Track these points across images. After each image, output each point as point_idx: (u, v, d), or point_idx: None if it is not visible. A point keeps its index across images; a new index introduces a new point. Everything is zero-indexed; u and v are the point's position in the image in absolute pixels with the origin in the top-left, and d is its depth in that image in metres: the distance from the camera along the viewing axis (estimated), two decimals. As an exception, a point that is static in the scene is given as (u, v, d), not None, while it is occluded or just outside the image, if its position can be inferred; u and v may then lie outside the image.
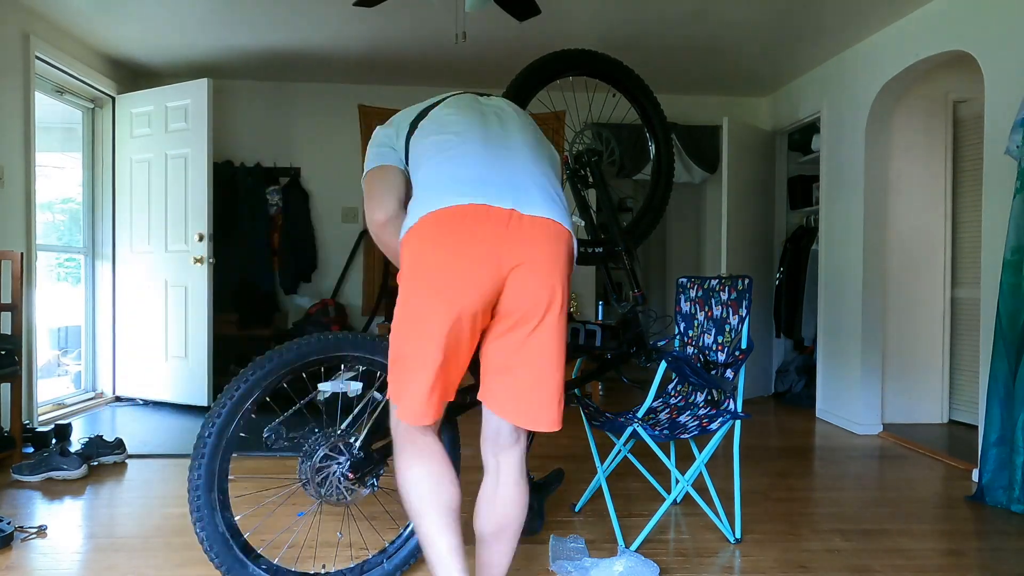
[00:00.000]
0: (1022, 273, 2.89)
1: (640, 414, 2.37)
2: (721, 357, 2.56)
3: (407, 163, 1.79)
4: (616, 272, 2.74)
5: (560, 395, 1.61)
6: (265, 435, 1.88)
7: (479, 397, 1.66)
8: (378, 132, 1.91)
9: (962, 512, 2.87)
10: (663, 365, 2.36)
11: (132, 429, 4.11)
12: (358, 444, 1.93)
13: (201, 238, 4.56)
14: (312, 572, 2.02)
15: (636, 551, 2.32)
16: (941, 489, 3.20)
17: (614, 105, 3.66)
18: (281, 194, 5.42)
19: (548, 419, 1.60)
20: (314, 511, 2.41)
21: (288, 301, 5.52)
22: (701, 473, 2.54)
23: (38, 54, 3.99)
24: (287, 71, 5.16)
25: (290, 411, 1.95)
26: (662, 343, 2.62)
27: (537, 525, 2.38)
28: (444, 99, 1.86)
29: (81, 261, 4.94)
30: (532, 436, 2.40)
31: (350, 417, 2.03)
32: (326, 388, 2.00)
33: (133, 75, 5.10)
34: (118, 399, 4.95)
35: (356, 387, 2.04)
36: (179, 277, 4.66)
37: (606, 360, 2.57)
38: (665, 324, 2.84)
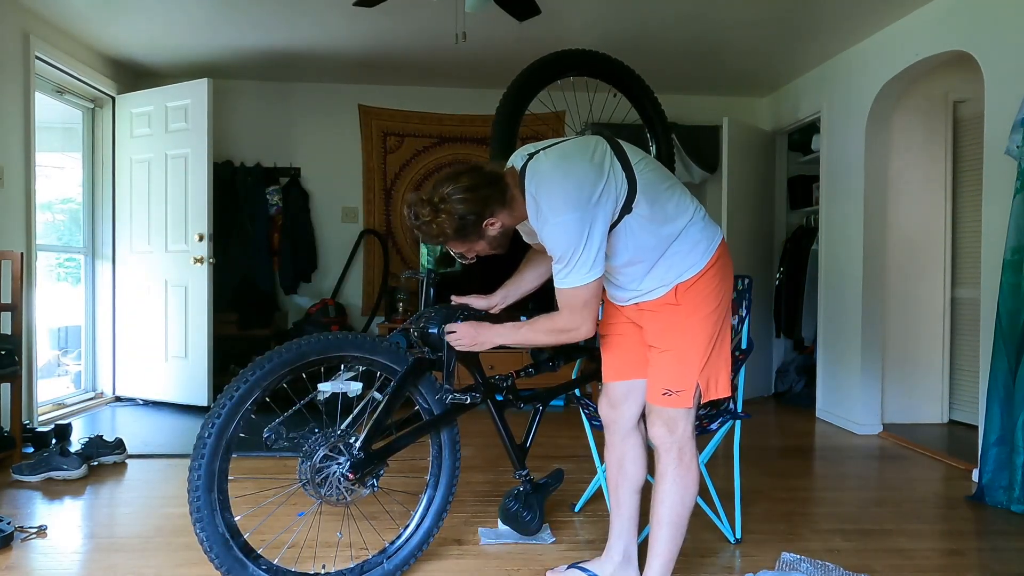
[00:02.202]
0: (1022, 273, 2.89)
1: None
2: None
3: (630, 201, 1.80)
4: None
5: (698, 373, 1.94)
6: (265, 435, 1.88)
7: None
8: (597, 221, 1.73)
9: (962, 512, 2.87)
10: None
11: (132, 429, 4.11)
12: (358, 444, 1.93)
13: (201, 238, 4.56)
14: (312, 572, 2.02)
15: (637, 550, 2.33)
16: (941, 489, 3.20)
17: (615, 105, 3.67)
18: (281, 194, 5.42)
19: None
20: (314, 511, 2.41)
21: (288, 301, 5.52)
22: (701, 473, 2.54)
23: (38, 54, 3.99)
24: (287, 71, 5.16)
25: (290, 411, 1.95)
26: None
27: (537, 525, 2.38)
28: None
29: (81, 261, 4.94)
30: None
31: (350, 417, 2.03)
32: (326, 388, 2.00)
33: (133, 75, 5.10)
34: (118, 399, 4.95)
35: (356, 387, 2.04)
36: (179, 277, 4.66)
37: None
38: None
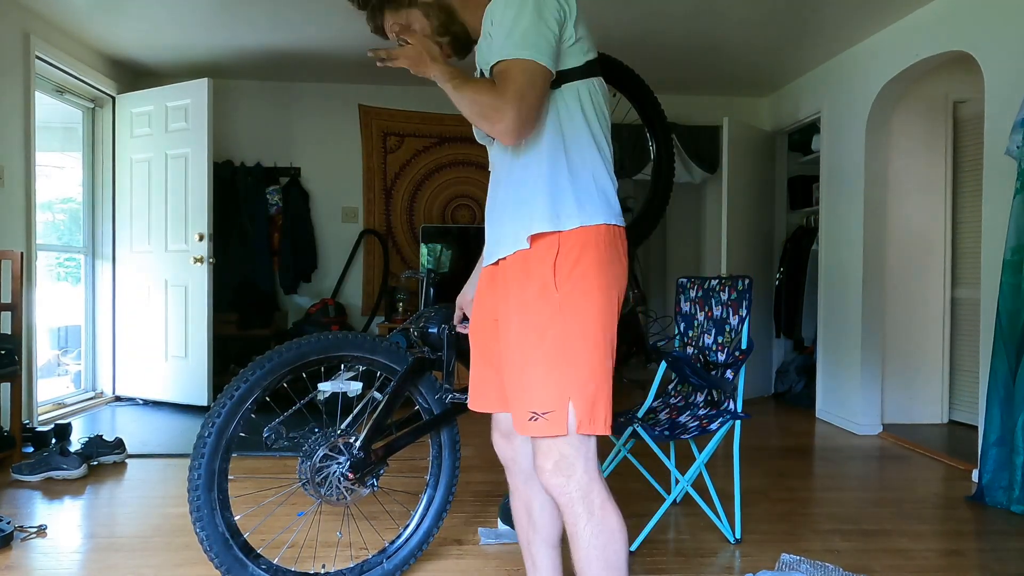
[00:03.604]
0: (1022, 273, 2.89)
1: (640, 414, 2.37)
2: (721, 357, 2.56)
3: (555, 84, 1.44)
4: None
5: (563, 393, 1.43)
6: (265, 435, 1.88)
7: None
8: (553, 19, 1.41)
9: (962, 512, 2.87)
10: (663, 365, 2.36)
11: (132, 429, 4.11)
12: (358, 444, 1.93)
13: (201, 238, 4.56)
14: (312, 572, 2.02)
15: (637, 551, 2.33)
16: (941, 489, 3.20)
17: (614, 105, 3.66)
18: (281, 194, 5.42)
19: None
20: (314, 511, 2.41)
21: (288, 301, 5.52)
22: (701, 473, 2.54)
23: (38, 54, 3.99)
24: (287, 71, 5.16)
25: (290, 411, 1.95)
26: (662, 343, 2.62)
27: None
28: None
29: (81, 261, 4.94)
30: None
31: (350, 417, 2.03)
32: (326, 388, 2.00)
33: (133, 75, 5.10)
34: (118, 399, 4.95)
35: (356, 387, 2.04)
36: (179, 277, 4.66)
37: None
38: (665, 324, 2.84)
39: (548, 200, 1.42)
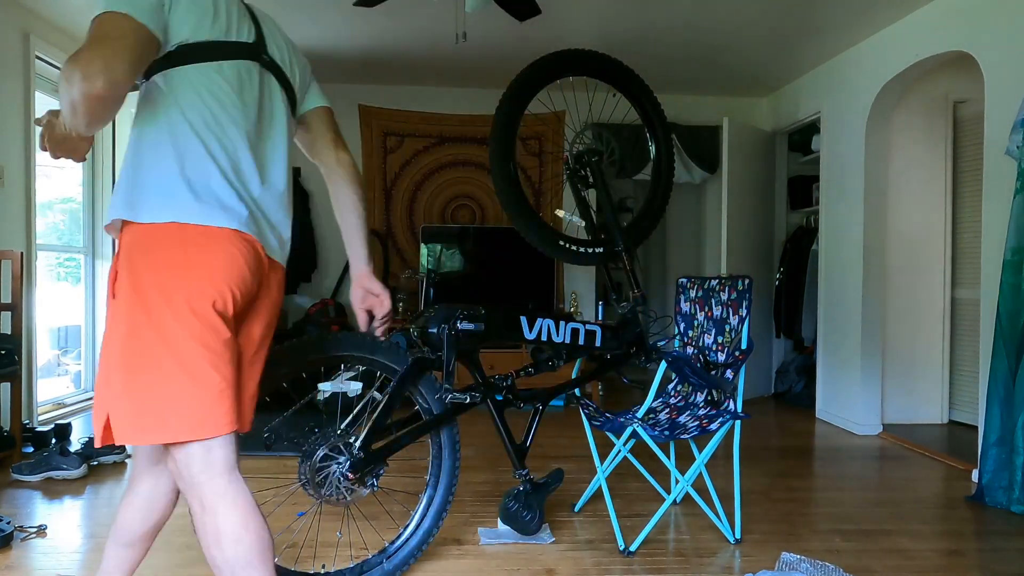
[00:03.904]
0: (1022, 273, 2.89)
1: (640, 414, 2.37)
2: (721, 357, 2.56)
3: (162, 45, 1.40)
4: (616, 272, 2.75)
5: (104, 405, 1.36)
6: (265, 435, 1.88)
7: None
8: None
9: (962, 512, 2.87)
10: (663, 365, 2.37)
11: (132, 429, 4.11)
12: (358, 444, 1.93)
13: (201, 238, 4.55)
14: (312, 572, 2.02)
15: (637, 551, 2.33)
16: (941, 489, 3.20)
17: (614, 105, 3.66)
18: (281, 194, 5.42)
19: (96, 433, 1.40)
20: (314, 511, 2.41)
21: (288, 301, 5.52)
22: (701, 473, 2.54)
23: (38, 54, 3.99)
24: (287, 71, 5.15)
25: (290, 411, 1.95)
26: (662, 343, 2.62)
27: (537, 525, 2.38)
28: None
29: (81, 261, 4.94)
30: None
31: (350, 417, 2.03)
32: (326, 388, 2.00)
33: (133, 75, 5.09)
34: (118, 399, 4.94)
35: (356, 387, 2.04)
36: (179, 277, 4.65)
37: (606, 360, 2.57)
38: (665, 324, 2.84)
39: (120, 189, 1.43)
